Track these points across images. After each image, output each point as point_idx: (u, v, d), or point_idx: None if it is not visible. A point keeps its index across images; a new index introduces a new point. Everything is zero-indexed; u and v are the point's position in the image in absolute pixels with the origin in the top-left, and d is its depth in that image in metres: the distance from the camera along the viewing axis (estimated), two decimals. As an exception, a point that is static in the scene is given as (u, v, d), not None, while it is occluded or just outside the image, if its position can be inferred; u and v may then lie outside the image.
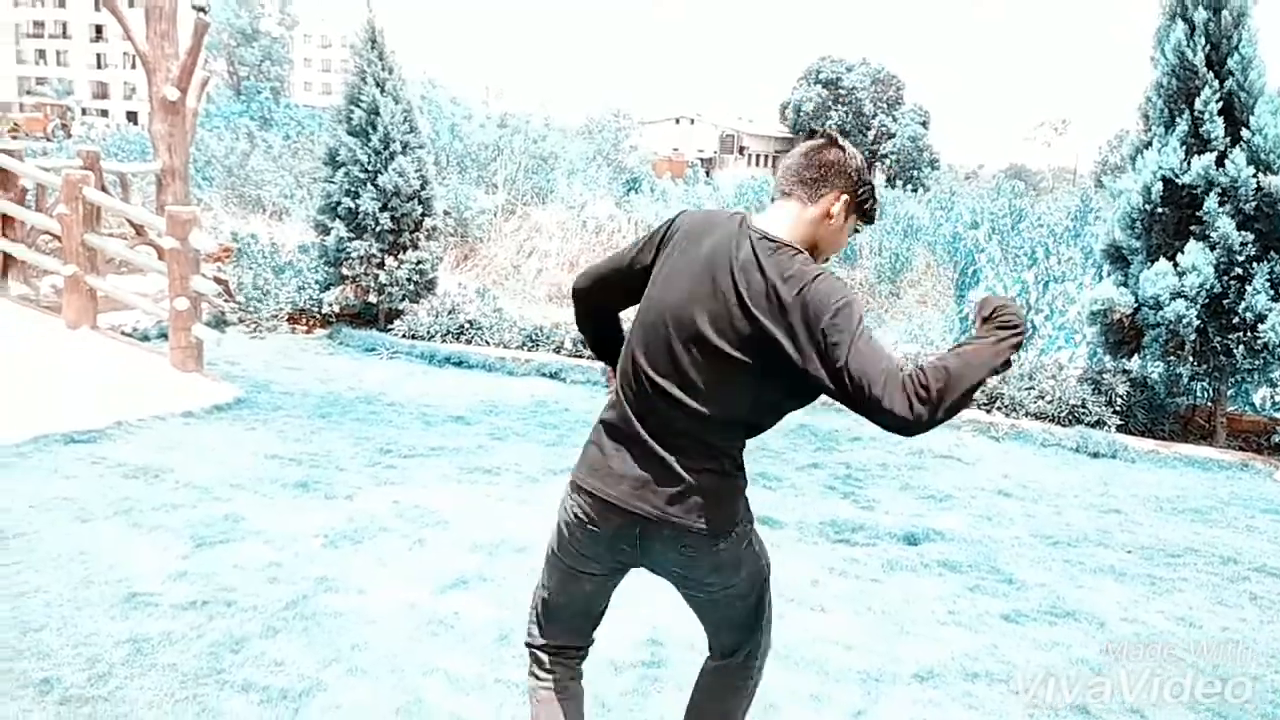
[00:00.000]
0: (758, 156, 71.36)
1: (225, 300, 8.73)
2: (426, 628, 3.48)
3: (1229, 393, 7.18)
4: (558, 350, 8.70)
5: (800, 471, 5.81)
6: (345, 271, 9.34)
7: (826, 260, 2.07)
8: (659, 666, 3.32)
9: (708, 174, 32.10)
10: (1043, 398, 7.29)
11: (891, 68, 69.27)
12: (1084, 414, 7.12)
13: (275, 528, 4.27)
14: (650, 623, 3.64)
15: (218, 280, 8.57)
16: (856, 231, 2.10)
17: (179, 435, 5.64)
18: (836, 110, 67.06)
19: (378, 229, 9.22)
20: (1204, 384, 7.20)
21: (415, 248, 9.47)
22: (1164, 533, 5.21)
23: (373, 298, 9.50)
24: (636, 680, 3.22)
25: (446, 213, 10.60)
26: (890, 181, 46.51)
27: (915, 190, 31.94)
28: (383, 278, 9.28)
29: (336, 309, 9.53)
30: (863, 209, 2.06)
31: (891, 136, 66.14)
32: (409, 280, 9.39)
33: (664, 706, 3.07)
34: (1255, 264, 6.52)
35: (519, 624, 3.56)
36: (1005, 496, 5.72)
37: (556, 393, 7.65)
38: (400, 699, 2.97)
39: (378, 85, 9.24)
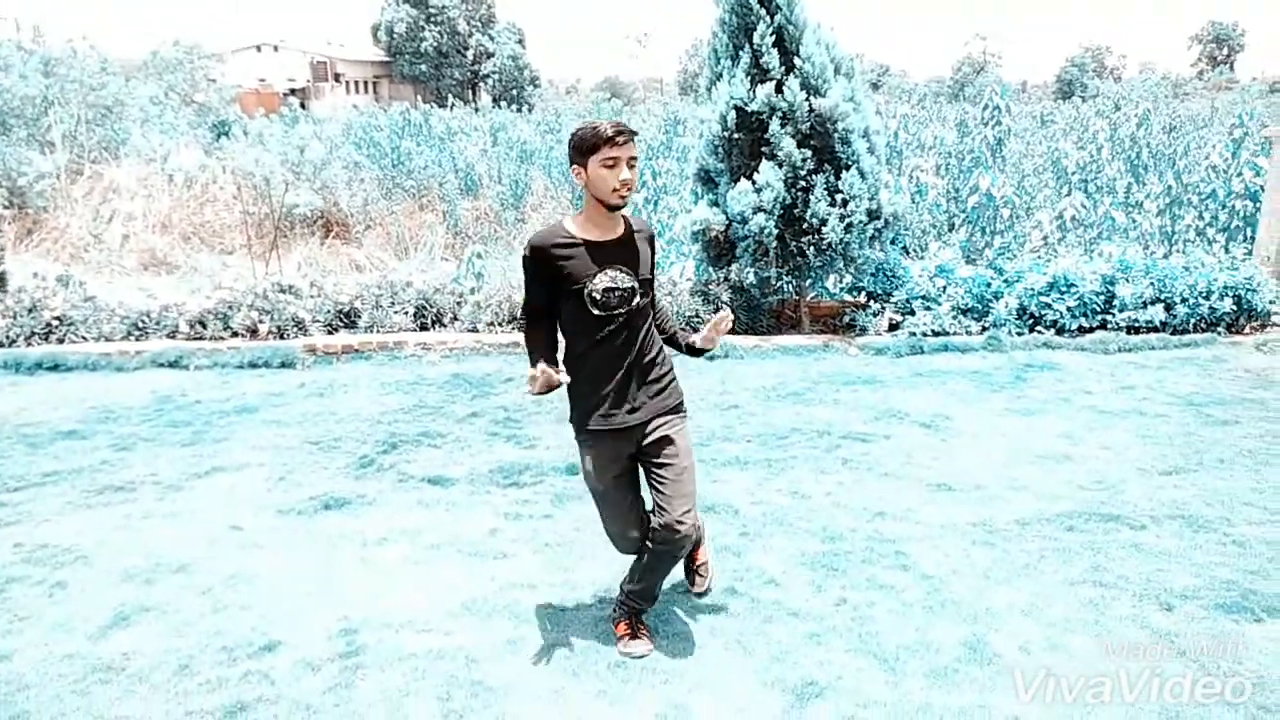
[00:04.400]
0: (356, 83, 67.89)
1: None
2: (93, 677, 3.22)
3: (807, 284, 8.43)
4: (173, 335, 7.93)
5: (461, 423, 5.96)
6: (-126, 276, 7.72)
7: (611, 192, 2.90)
8: (358, 654, 3.36)
9: (303, 105, 30.08)
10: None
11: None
12: (698, 323, 7.99)
13: None
14: (340, 611, 3.66)
15: None
16: (613, 162, 2.86)
17: None
18: (430, 30, 65.53)
19: (-90, 220, 7.68)
20: (788, 282, 8.39)
21: (-33, 237, 8.03)
22: (772, 418, 6.09)
23: (-81, 302, 7.95)
24: (337, 674, 3.24)
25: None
26: (496, 102, 46.70)
27: (520, 109, 32.53)
28: (-71, 278, 7.80)
29: None
30: (589, 151, 2.86)
31: (491, 55, 66.16)
32: (-34, 277, 7.98)
33: (373, 694, 3.13)
34: (814, 176, 7.66)
35: (198, 650, 3.41)
36: (645, 411, 6.31)
37: (181, 383, 7.02)
38: (82, 766, 2.76)
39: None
